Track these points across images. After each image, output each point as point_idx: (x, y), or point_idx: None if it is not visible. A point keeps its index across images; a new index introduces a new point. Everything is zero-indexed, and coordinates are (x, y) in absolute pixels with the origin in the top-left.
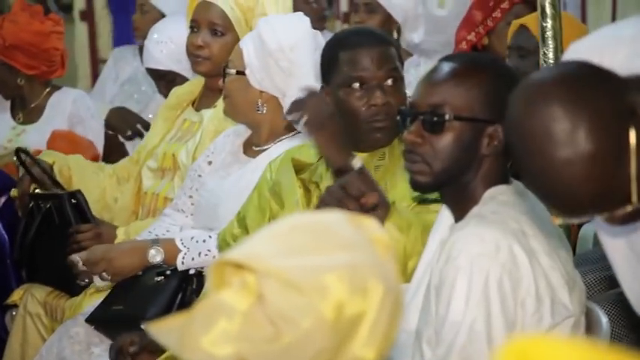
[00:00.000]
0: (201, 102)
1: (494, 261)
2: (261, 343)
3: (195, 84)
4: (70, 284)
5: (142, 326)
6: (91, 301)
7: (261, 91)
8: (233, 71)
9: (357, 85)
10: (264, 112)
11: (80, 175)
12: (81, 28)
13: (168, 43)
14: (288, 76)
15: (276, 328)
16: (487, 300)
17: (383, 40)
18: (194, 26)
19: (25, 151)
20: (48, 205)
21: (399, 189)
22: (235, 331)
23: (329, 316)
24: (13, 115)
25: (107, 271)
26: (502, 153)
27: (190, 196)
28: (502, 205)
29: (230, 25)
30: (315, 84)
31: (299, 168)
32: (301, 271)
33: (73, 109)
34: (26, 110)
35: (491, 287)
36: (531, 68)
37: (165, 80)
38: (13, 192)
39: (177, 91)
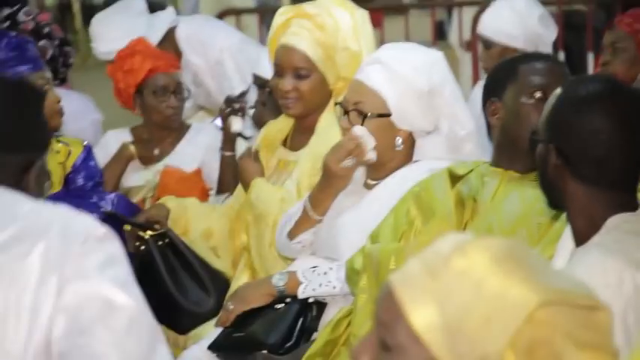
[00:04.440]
0: (293, 141)
1: (618, 294)
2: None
3: (284, 122)
4: (175, 322)
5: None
6: (212, 328)
7: (401, 129)
8: (373, 115)
9: (539, 94)
10: (402, 149)
11: (195, 216)
12: None
13: None
14: (441, 113)
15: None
16: None
17: (559, 61)
18: (278, 70)
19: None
20: (143, 247)
21: None
22: None
23: None
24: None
25: (232, 300)
26: (606, 179)
27: None
28: (626, 233)
29: (314, 65)
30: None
31: (452, 178)
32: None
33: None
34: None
35: (615, 321)
36: None
37: (266, 89)
38: (126, 227)
39: (268, 130)
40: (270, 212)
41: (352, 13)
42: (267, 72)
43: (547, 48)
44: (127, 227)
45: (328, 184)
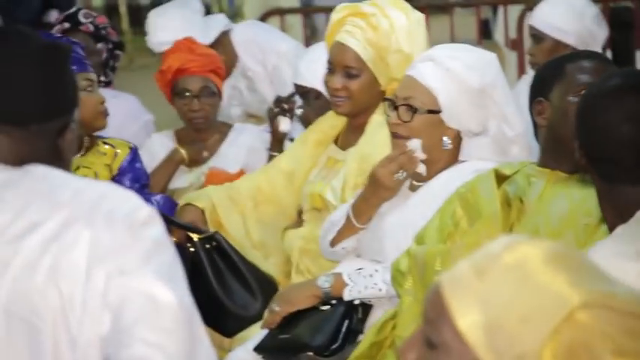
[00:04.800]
0: (344, 140)
1: None
2: None
3: (338, 119)
4: (221, 325)
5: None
6: (257, 330)
7: (449, 128)
8: (423, 110)
9: None
10: (450, 148)
11: (225, 213)
12: None
13: (316, 62)
14: (490, 114)
15: None
16: None
17: (607, 59)
18: (330, 67)
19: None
20: (192, 249)
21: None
22: None
23: None
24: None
25: (278, 301)
26: (627, 176)
27: None
28: None
29: (364, 65)
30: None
31: (499, 179)
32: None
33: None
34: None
35: None
36: None
37: (308, 98)
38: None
39: (321, 126)
40: (293, 248)
41: (408, 15)
42: (306, 80)
43: (598, 47)
44: (174, 238)
45: (374, 195)
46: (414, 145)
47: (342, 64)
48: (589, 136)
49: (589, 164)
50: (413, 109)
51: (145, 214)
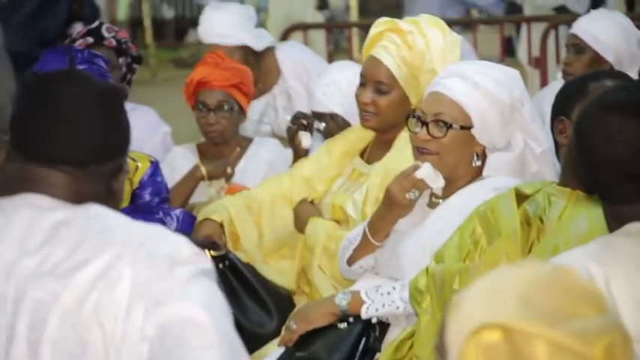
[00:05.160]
0: (371, 154)
1: None
2: None
3: (366, 131)
4: None
5: None
6: (274, 347)
7: (478, 144)
8: (456, 126)
9: None
10: (479, 165)
11: (242, 226)
12: None
13: (332, 85)
14: (518, 129)
15: None
16: None
17: (631, 79)
18: (362, 81)
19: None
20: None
21: None
22: None
23: None
24: None
25: (295, 319)
26: (615, 195)
27: None
28: (620, 235)
29: (395, 82)
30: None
31: (519, 198)
32: (572, 337)
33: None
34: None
35: None
36: None
37: (329, 119)
38: None
39: (349, 137)
40: (318, 242)
41: (445, 35)
42: (324, 106)
43: (633, 71)
44: None
45: (389, 212)
46: (424, 173)
47: (373, 78)
48: (581, 155)
49: (590, 183)
50: (447, 125)
51: (187, 253)
